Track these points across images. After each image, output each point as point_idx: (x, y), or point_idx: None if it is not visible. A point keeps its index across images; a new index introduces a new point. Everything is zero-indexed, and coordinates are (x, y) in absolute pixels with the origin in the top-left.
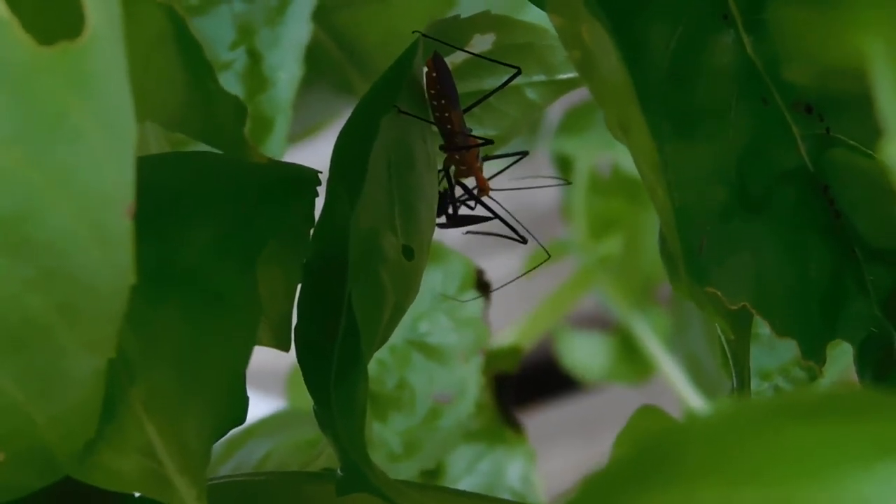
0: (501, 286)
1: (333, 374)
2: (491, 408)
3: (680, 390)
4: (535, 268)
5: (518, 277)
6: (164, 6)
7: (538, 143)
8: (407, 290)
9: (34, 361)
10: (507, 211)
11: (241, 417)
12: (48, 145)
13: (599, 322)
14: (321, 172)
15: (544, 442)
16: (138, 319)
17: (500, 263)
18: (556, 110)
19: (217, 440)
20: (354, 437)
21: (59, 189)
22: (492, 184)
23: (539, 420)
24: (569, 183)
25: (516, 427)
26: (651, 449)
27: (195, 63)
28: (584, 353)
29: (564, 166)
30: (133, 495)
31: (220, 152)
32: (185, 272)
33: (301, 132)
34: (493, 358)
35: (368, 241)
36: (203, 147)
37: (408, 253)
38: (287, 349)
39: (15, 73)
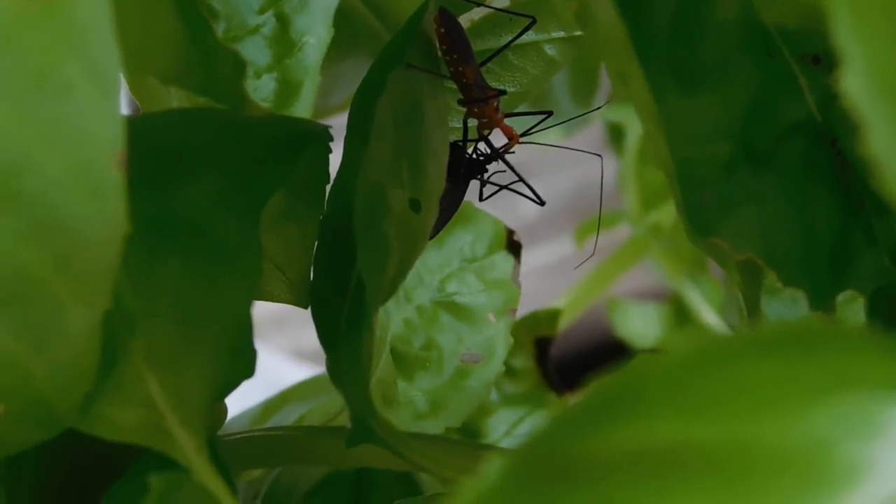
0: (580, 264)
1: (342, 327)
2: (533, 372)
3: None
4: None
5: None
6: None
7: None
8: (413, 243)
9: (30, 314)
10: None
11: (248, 370)
12: (36, 99)
13: (653, 293)
14: (331, 127)
15: None
16: (138, 271)
17: (549, 249)
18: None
19: (225, 395)
20: (360, 388)
21: (49, 142)
22: (544, 162)
23: None
24: (598, 155)
25: (558, 391)
26: (612, 388)
27: (193, 19)
28: (637, 323)
29: (617, 135)
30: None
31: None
32: (186, 224)
33: (340, 103)
34: (533, 322)
35: (374, 195)
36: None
37: (415, 206)
38: (305, 306)
39: (0, 28)
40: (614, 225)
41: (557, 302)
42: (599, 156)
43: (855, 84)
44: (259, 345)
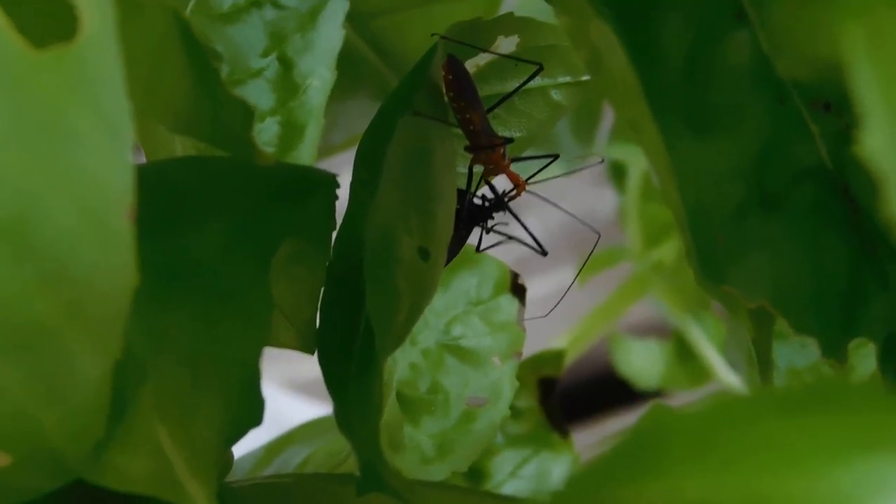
0: (556, 303)
1: (351, 375)
2: (537, 412)
3: (750, 391)
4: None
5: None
6: (168, 10)
7: (594, 150)
8: (423, 290)
9: (40, 363)
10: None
11: (257, 418)
12: (47, 147)
13: (655, 329)
14: (338, 175)
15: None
16: (148, 319)
17: (551, 279)
18: (610, 117)
19: (233, 443)
20: (370, 437)
21: (60, 191)
22: (541, 189)
23: (597, 429)
24: (597, 233)
25: (562, 431)
26: (636, 442)
27: (201, 66)
28: (639, 361)
29: (618, 173)
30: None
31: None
32: (196, 272)
33: (342, 141)
34: (538, 362)
35: (383, 243)
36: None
37: (423, 254)
38: (311, 351)
39: (11, 76)
40: (616, 262)
41: (560, 336)
42: (598, 234)
43: (875, 143)
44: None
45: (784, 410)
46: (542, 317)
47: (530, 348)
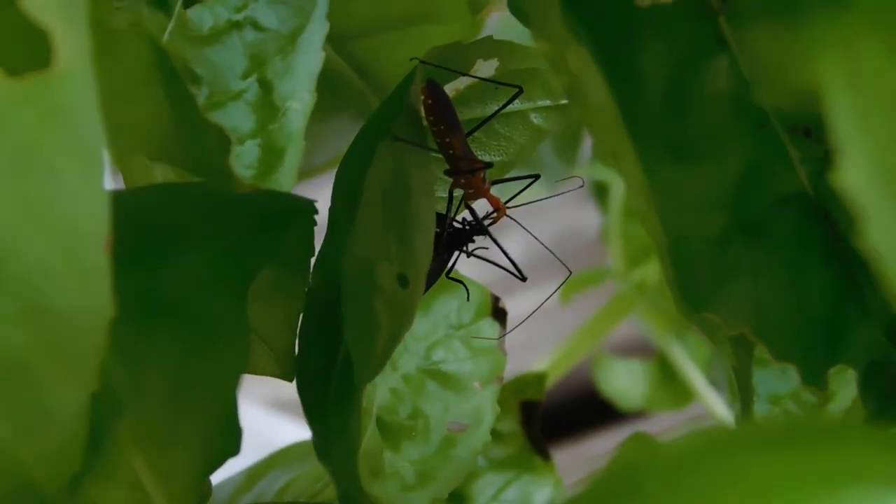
0: (522, 321)
1: (330, 403)
2: (519, 436)
3: (720, 417)
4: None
5: (542, 303)
6: (145, 38)
7: (577, 169)
8: (402, 317)
9: (16, 398)
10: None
11: (234, 448)
12: (21, 180)
13: (638, 349)
14: (317, 202)
15: (586, 471)
16: (126, 350)
17: (534, 297)
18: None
19: (211, 472)
20: (348, 467)
21: (35, 224)
22: (525, 207)
23: (579, 449)
24: (569, 270)
25: (544, 455)
26: (614, 475)
27: (177, 94)
28: (622, 381)
29: (601, 192)
30: None
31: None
32: (173, 302)
33: (324, 162)
34: (520, 385)
35: (361, 270)
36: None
37: (402, 281)
38: (290, 379)
39: None
40: (599, 282)
41: (544, 356)
42: (570, 271)
43: (853, 176)
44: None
45: (759, 445)
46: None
47: (513, 367)
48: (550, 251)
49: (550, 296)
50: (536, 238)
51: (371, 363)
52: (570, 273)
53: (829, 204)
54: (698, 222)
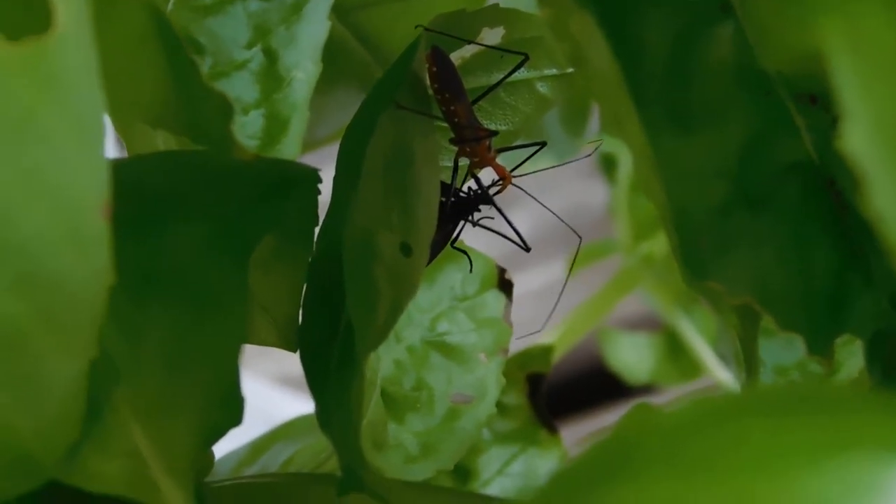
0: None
1: (332, 374)
2: (524, 409)
3: (727, 391)
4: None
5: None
6: (145, 4)
7: (584, 141)
8: (405, 287)
9: (14, 366)
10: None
11: (236, 418)
12: (16, 146)
13: (645, 323)
14: (322, 169)
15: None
16: (124, 319)
17: (541, 272)
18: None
19: (212, 443)
20: (350, 437)
21: (30, 191)
22: (532, 180)
23: (586, 424)
24: (579, 236)
25: (550, 428)
26: (615, 443)
27: (178, 61)
28: (629, 355)
29: (609, 165)
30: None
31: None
32: (172, 271)
33: (328, 134)
34: (526, 358)
35: (363, 240)
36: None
37: (405, 250)
38: (294, 349)
39: None
40: (606, 255)
41: (550, 330)
42: (580, 238)
43: (856, 140)
44: (244, 372)
45: (758, 412)
46: (536, 332)
47: (521, 342)
48: (559, 218)
49: (567, 280)
50: (544, 205)
51: (373, 333)
52: (581, 240)
53: (834, 172)
54: (701, 191)
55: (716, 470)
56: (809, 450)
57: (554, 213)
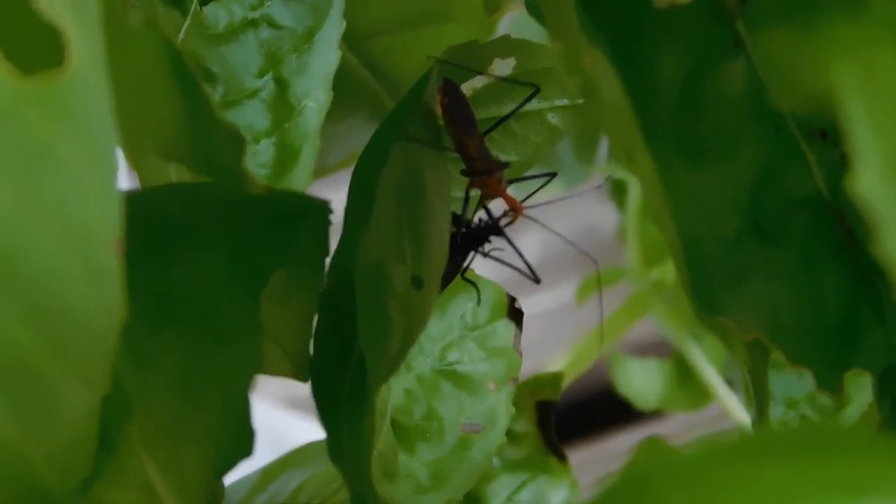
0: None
1: (343, 405)
2: (534, 436)
3: (737, 417)
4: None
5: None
6: (159, 37)
7: (594, 168)
8: (416, 319)
9: (27, 399)
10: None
11: (247, 449)
12: (33, 179)
13: (655, 348)
14: (330, 201)
15: (601, 471)
16: (137, 351)
17: (551, 294)
18: None
19: (223, 474)
20: (361, 468)
21: (46, 224)
22: (542, 205)
23: (595, 449)
24: (594, 260)
25: (560, 456)
26: (624, 484)
27: (191, 94)
28: (639, 381)
29: (619, 191)
30: None
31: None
32: (185, 299)
33: (337, 162)
34: (535, 385)
35: (375, 272)
36: None
37: (417, 282)
38: (305, 380)
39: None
40: (616, 281)
41: (560, 356)
42: (595, 261)
43: (867, 183)
44: (253, 395)
45: (772, 451)
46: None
47: (529, 366)
48: (574, 245)
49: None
50: (556, 233)
51: (385, 365)
52: (597, 263)
53: (845, 208)
54: (712, 224)
55: None
56: (824, 492)
57: (568, 241)
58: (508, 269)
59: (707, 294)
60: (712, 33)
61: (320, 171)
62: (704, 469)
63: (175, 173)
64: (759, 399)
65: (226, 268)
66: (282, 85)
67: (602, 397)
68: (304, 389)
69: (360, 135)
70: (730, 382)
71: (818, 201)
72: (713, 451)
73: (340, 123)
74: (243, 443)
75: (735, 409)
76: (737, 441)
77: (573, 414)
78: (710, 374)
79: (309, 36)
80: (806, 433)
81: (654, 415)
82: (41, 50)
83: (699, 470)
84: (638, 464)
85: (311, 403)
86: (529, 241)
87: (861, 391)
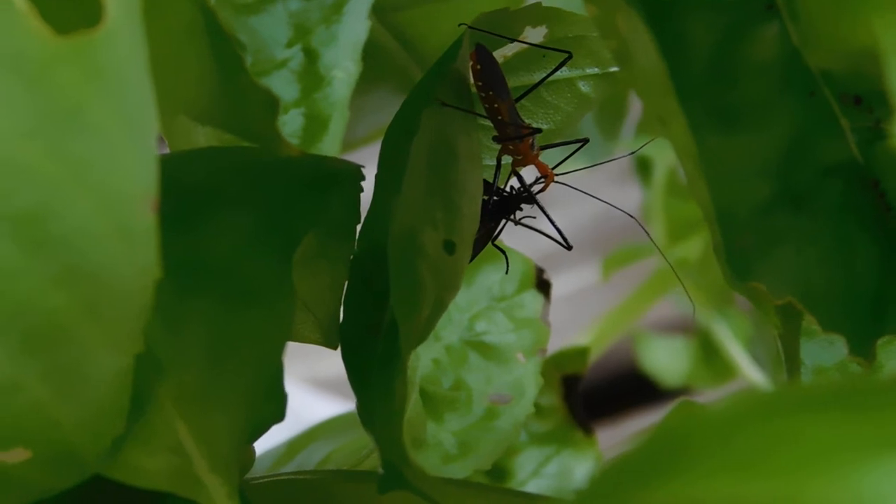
0: None
1: (374, 370)
2: (560, 410)
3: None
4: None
5: None
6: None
7: (619, 145)
8: (448, 284)
9: (59, 360)
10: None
11: (279, 415)
12: (66, 139)
13: (680, 326)
14: (364, 167)
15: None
16: (169, 314)
17: (574, 277)
18: (636, 112)
19: (254, 439)
20: (392, 434)
21: (79, 184)
22: (568, 188)
23: (620, 427)
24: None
25: (586, 429)
26: (661, 441)
27: (225, 56)
28: (663, 358)
29: (644, 168)
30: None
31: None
32: (217, 265)
33: (367, 134)
34: (561, 359)
35: (407, 237)
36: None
37: (449, 247)
38: (335, 346)
39: (31, 65)
40: (640, 258)
41: (584, 333)
42: (632, 216)
43: None
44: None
45: (809, 407)
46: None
47: (554, 345)
48: (613, 206)
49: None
50: (589, 194)
51: (417, 329)
52: (634, 218)
53: (878, 174)
54: (744, 190)
55: (770, 465)
56: (864, 445)
57: (603, 201)
58: (533, 249)
59: (740, 259)
60: None
61: (348, 144)
62: (741, 424)
63: (204, 138)
64: (790, 364)
65: (256, 231)
66: (311, 55)
67: (627, 376)
68: (326, 370)
69: (388, 107)
70: (755, 358)
71: (851, 167)
72: (749, 406)
73: (369, 96)
74: (275, 407)
75: (760, 384)
76: (772, 395)
77: (598, 392)
78: (735, 351)
79: (338, 7)
80: (843, 387)
81: (679, 392)
82: (77, 11)
83: (737, 426)
84: (672, 422)
85: (335, 384)
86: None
87: (892, 358)
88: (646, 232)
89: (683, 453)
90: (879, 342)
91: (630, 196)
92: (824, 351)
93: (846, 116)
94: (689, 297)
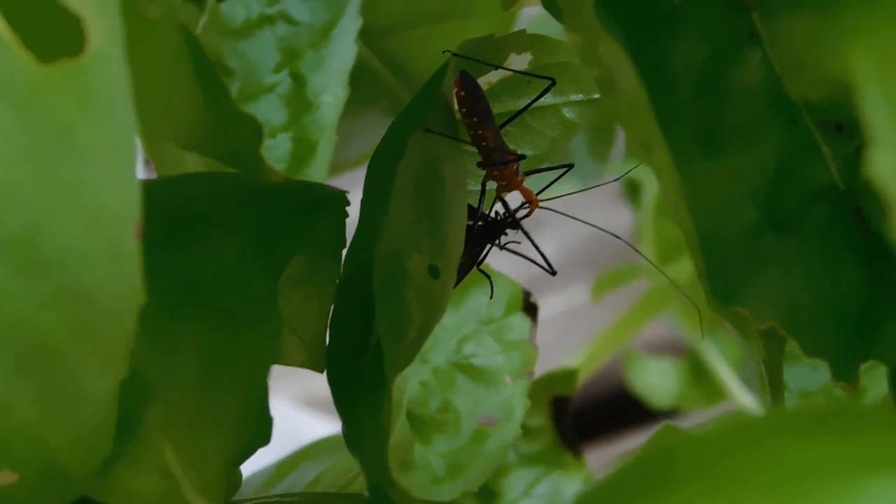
0: None
1: (360, 393)
2: (549, 431)
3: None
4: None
5: None
6: (178, 26)
7: (609, 167)
8: (433, 309)
9: (51, 381)
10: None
11: (265, 437)
12: (55, 162)
13: (670, 347)
14: (348, 192)
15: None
16: (156, 336)
17: (564, 297)
18: (625, 135)
19: (241, 461)
20: (378, 456)
21: (68, 207)
22: (555, 206)
23: (610, 448)
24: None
25: (575, 451)
26: (645, 462)
27: (209, 83)
28: (654, 379)
29: (633, 190)
30: None
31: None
32: (205, 288)
33: (355, 158)
34: (551, 381)
35: (393, 262)
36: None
37: (433, 272)
38: (321, 370)
39: (19, 91)
40: (631, 279)
41: (574, 354)
42: (621, 238)
43: (884, 167)
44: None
45: (795, 430)
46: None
47: (545, 366)
48: (601, 229)
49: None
50: (576, 218)
51: (401, 354)
52: (623, 240)
53: (860, 199)
54: (729, 215)
55: (754, 487)
56: (849, 468)
57: (591, 225)
58: (523, 271)
59: (723, 284)
60: (728, 25)
61: (337, 168)
62: (726, 446)
63: (192, 163)
64: (773, 389)
65: (244, 254)
66: (299, 80)
67: (616, 397)
68: (318, 389)
69: (376, 131)
70: (744, 381)
71: (834, 193)
72: (732, 431)
73: (356, 119)
74: (261, 429)
75: (749, 406)
76: (756, 420)
77: (587, 413)
78: (725, 373)
79: (326, 31)
80: (826, 411)
81: (668, 413)
82: (61, 39)
83: (721, 448)
84: (655, 445)
85: (327, 403)
86: (541, 245)
87: (876, 383)
88: (638, 252)
89: (670, 475)
90: (862, 367)
91: (623, 217)
92: (809, 375)
93: (827, 143)
94: (696, 306)
